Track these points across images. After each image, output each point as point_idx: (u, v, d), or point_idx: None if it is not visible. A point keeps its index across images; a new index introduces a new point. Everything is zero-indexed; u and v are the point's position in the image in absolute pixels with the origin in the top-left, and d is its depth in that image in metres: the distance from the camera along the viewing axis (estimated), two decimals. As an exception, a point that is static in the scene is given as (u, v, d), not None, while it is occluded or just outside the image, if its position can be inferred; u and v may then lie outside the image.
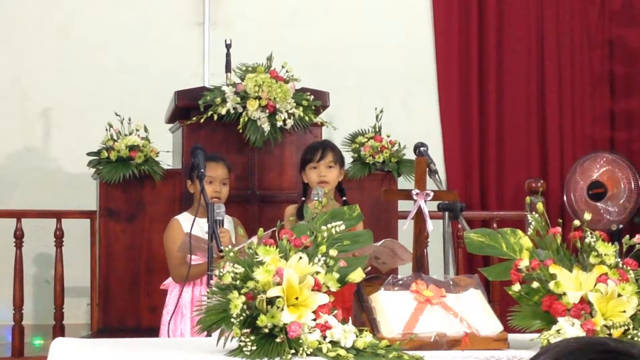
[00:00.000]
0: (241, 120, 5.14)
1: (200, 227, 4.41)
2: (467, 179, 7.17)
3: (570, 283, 2.83)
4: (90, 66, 6.73)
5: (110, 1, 6.83)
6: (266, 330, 2.62)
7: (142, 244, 5.26)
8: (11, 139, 6.69)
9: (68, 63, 6.73)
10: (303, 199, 4.72)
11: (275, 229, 2.86)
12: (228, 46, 5.51)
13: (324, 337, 2.65)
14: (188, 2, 6.95)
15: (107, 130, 5.26)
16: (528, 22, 7.34)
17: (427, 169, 3.46)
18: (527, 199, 3.21)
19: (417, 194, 3.20)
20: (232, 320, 2.61)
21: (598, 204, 6.91)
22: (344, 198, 4.81)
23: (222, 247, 3.84)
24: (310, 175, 4.74)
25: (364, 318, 2.93)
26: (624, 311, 2.80)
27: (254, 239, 2.79)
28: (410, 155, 5.18)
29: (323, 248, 2.75)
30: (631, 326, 2.81)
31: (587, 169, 7.00)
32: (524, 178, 6.59)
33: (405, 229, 3.41)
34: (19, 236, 5.70)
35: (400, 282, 2.99)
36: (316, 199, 4.43)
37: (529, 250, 2.97)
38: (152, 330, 4.78)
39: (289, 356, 2.61)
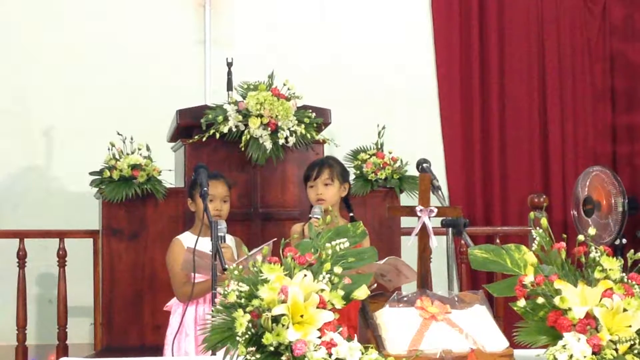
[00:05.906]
0: (243, 138, 5.15)
1: (202, 246, 4.40)
2: (470, 194, 7.17)
3: (576, 298, 2.82)
4: (92, 85, 6.74)
5: (112, 20, 6.85)
6: (272, 349, 2.61)
7: (145, 262, 5.26)
8: (13, 159, 6.69)
9: (70, 82, 6.74)
10: (310, 216, 4.71)
11: (276, 239, 2.86)
12: (229, 64, 5.53)
13: (330, 355, 2.64)
14: (189, 20, 6.96)
15: (109, 149, 5.27)
16: (529, 37, 7.36)
17: (431, 185, 3.46)
18: (531, 214, 3.21)
19: (420, 210, 3.20)
20: (238, 338, 2.61)
21: (589, 219, 6.87)
22: (351, 214, 4.78)
23: (225, 264, 3.84)
24: (309, 194, 4.75)
25: (370, 335, 2.92)
26: (630, 326, 2.80)
27: (258, 256, 2.78)
28: (412, 171, 5.19)
29: (327, 265, 2.74)
30: (637, 341, 2.79)
31: (586, 184, 6.98)
32: (527, 193, 6.60)
33: (409, 246, 3.41)
34: (21, 256, 5.70)
35: (405, 298, 2.98)
36: (315, 217, 4.43)
37: (533, 265, 2.96)
38: (156, 349, 4.77)
39: (295, 374, 2.60)
